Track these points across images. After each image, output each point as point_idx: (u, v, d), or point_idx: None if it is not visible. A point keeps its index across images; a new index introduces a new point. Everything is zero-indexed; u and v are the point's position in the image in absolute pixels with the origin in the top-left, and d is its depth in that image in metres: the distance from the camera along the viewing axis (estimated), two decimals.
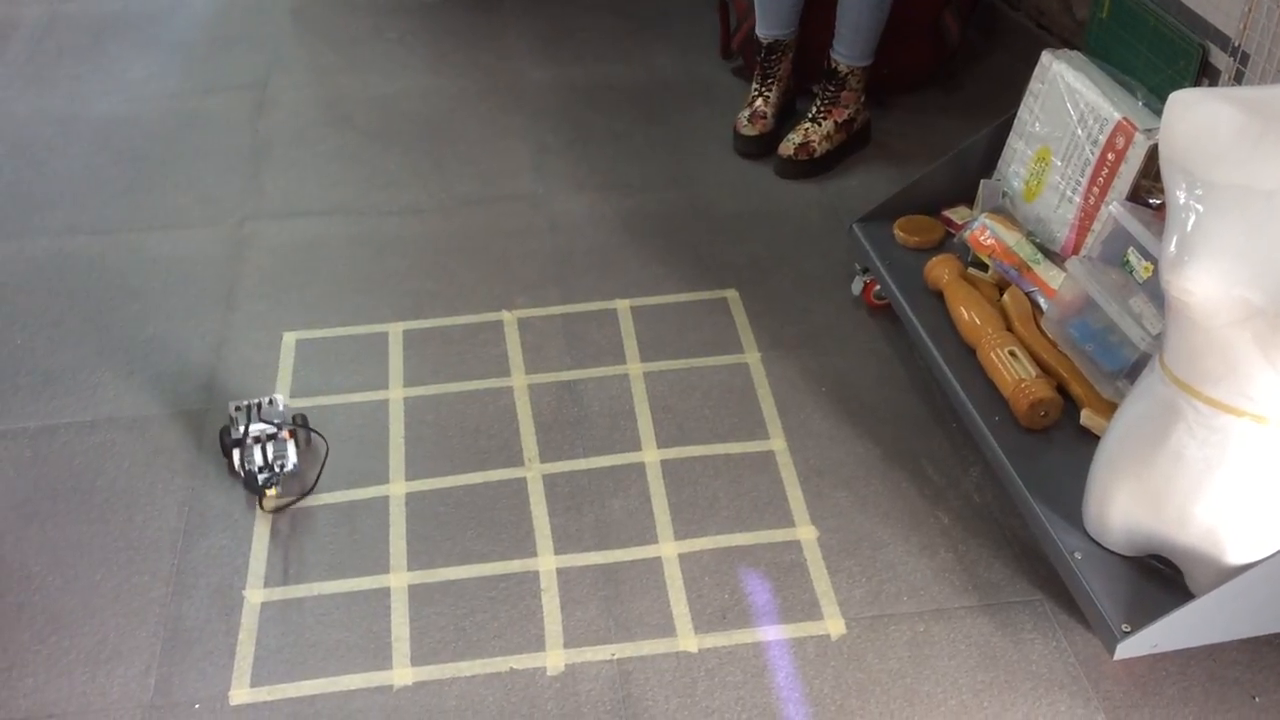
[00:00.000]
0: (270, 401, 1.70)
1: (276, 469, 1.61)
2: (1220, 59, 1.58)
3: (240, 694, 1.41)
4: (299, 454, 1.66)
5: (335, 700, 1.40)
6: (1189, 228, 1.18)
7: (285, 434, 1.65)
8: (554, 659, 1.44)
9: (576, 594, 1.52)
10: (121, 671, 1.43)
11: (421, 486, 1.66)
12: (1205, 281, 1.15)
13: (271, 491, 1.60)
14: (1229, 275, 1.15)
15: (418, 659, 1.44)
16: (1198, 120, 1.20)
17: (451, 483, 1.67)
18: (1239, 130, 1.17)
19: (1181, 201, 1.20)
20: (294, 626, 1.48)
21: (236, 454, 1.64)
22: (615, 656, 1.45)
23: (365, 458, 1.71)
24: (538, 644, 1.46)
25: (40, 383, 1.84)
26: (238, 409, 1.69)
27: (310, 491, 1.64)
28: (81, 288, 2.03)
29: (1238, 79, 1.55)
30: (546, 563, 1.56)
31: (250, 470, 1.62)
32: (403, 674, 1.43)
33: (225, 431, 1.67)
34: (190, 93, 2.61)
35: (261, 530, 1.60)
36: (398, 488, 1.66)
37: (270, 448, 1.64)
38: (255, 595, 1.52)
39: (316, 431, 1.70)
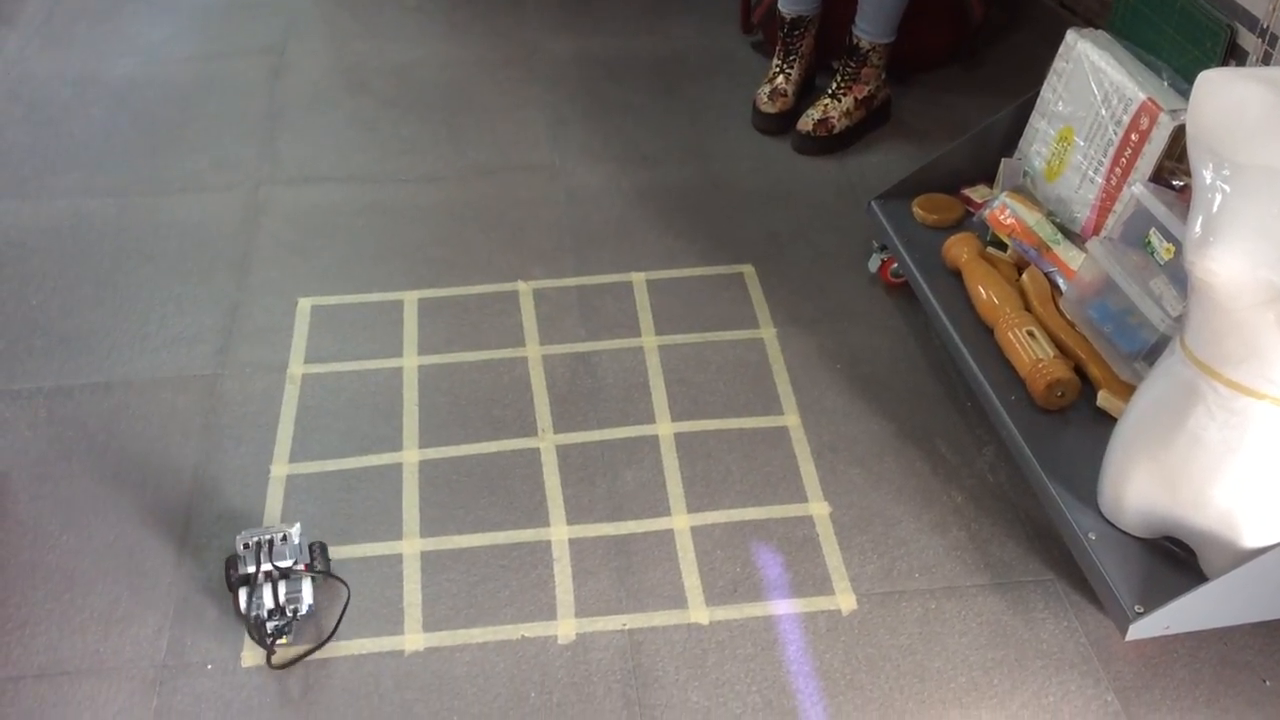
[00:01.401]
0: (283, 538, 1.44)
1: (289, 613, 1.41)
2: (1248, 40, 1.56)
3: (252, 656, 1.41)
4: (315, 592, 1.45)
5: (347, 664, 1.40)
6: (1215, 208, 1.17)
7: (300, 568, 1.44)
8: (565, 628, 1.45)
9: (588, 564, 1.52)
10: (134, 631, 1.44)
11: (435, 454, 1.66)
12: (1230, 262, 1.15)
13: (282, 640, 1.40)
14: (1254, 257, 1.14)
15: (430, 625, 1.45)
16: (1227, 100, 1.19)
17: (465, 451, 1.67)
18: (1268, 111, 1.16)
19: (1208, 182, 1.19)
20: None
21: (243, 593, 1.42)
22: (626, 627, 1.45)
23: (379, 425, 1.71)
24: (549, 613, 1.46)
25: (55, 344, 1.84)
26: (246, 546, 1.44)
27: (328, 640, 1.42)
28: (97, 250, 2.03)
29: (1266, 60, 1.53)
30: (559, 532, 1.56)
31: (259, 615, 1.40)
32: (414, 639, 1.43)
33: (232, 563, 1.44)
34: (208, 56, 2.61)
35: (275, 494, 1.60)
36: (411, 455, 1.66)
37: (283, 587, 1.42)
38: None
39: (336, 576, 1.48)
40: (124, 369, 1.80)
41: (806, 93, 2.40)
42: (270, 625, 1.40)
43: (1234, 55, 1.59)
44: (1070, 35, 1.75)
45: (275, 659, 1.40)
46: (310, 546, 1.48)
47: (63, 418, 1.71)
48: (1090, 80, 1.70)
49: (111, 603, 1.47)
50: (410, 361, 1.82)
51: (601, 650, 1.42)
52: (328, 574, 1.47)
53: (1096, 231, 1.69)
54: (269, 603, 1.41)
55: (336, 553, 1.52)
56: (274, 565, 1.43)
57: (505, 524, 1.57)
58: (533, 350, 1.84)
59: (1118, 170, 1.65)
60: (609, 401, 1.75)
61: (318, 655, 1.41)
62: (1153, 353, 1.49)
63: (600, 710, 1.36)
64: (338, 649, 1.42)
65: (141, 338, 1.85)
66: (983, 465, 1.66)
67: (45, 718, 1.35)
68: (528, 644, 1.43)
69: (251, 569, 1.42)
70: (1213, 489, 1.29)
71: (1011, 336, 1.62)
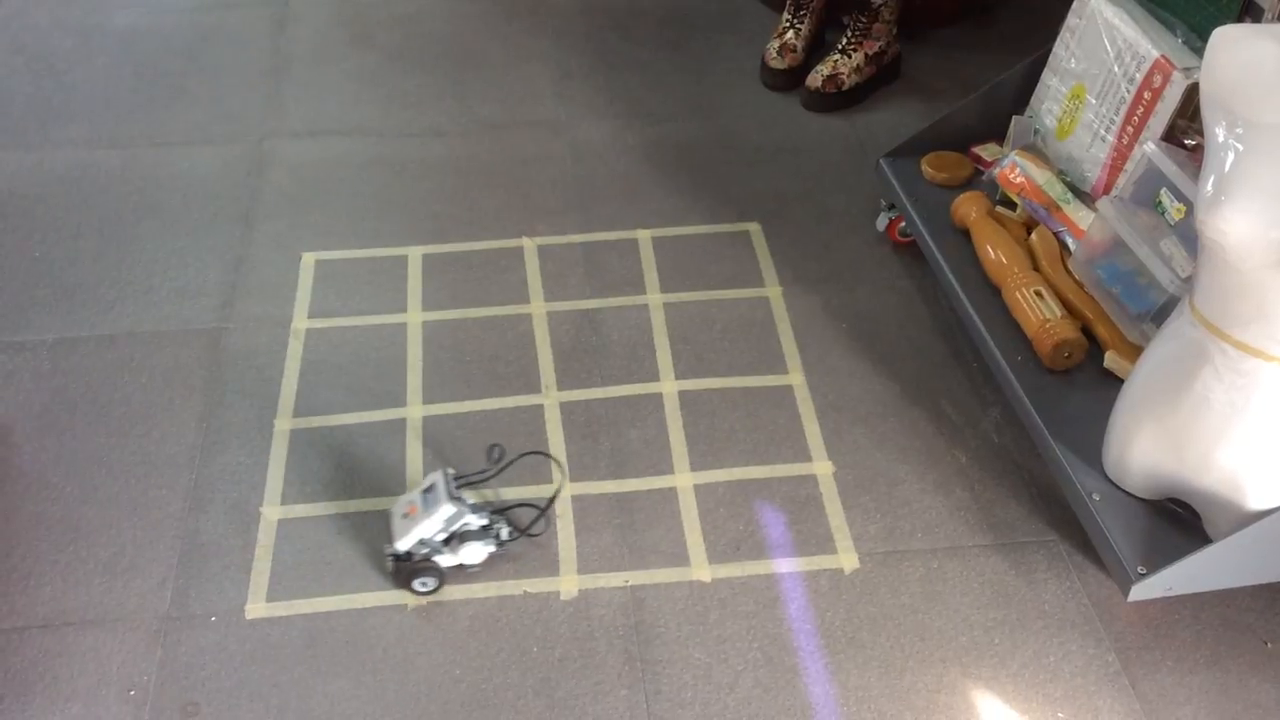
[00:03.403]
0: (455, 499, 1.42)
1: (496, 519, 1.47)
2: None
3: (256, 608, 1.42)
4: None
5: (350, 617, 1.41)
6: (1227, 167, 1.15)
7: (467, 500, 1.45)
8: (568, 584, 1.45)
9: (591, 521, 1.52)
10: (139, 583, 1.44)
11: (438, 410, 1.66)
12: (1241, 222, 1.13)
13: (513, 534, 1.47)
14: (1266, 217, 1.13)
15: None
16: (1241, 58, 1.17)
17: (469, 408, 1.67)
18: None
19: (1221, 140, 1.17)
20: (310, 544, 1.49)
21: (473, 548, 1.43)
22: (629, 583, 1.45)
23: (383, 380, 1.70)
24: (552, 569, 1.47)
25: (59, 295, 1.83)
26: (424, 541, 1.42)
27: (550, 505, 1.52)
28: (101, 202, 2.02)
29: None
30: (562, 490, 1.56)
31: (498, 536, 1.45)
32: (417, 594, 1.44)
33: (408, 557, 1.42)
34: (211, 7, 2.58)
35: (279, 448, 1.60)
36: (415, 411, 1.66)
37: (480, 516, 1.44)
38: (272, 512, 1.52)
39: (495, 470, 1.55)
40: (128, 321, 1.79)
41: (816, 48, 2.37)
42: (505, 533, 1.45)
43: (1250, 12, 1.56)
44: None
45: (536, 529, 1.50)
46: (448, 475, 1.45)
47: (67, 369, 1.71)
48: (1103, 37, 1.67)
49: (115, 554, 1.47)
50: (414, 317, 1.81)
51: (604, 606, 1.43)
52: (496, 473, 1.55)
53: (1107, 191, 1.67)
54: (479, 523, 1.44)
55: (342, 506, 1.53)
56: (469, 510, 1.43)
57: (508, 481, 1.57)
58: (537, 307, 1.83)
59: (1129, 129, 1.63)
60: (613, 359, 1.75)
61: (321, 608, 1.42)
62: (1161, 314, 1.47)
63: (602, 665, 1.37)
64: (342, 602, 1.42)
65: (145, 290, 1.85)
66: (988, 426, 1.65)
67: (49, 668, 1.36)
68: (530, 599, 1.43)
69: (468, 521, 1.43)
70: (1218, 451, 1.28)
71: (1019, 296, 1.61)
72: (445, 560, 1.43)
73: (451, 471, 1.46)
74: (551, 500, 1.53)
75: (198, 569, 1.46)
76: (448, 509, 1.41)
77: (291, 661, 1.37)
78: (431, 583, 1.43)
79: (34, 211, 2.00)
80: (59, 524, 1.51)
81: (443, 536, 1.42)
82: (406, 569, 1.42)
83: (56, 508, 1.53)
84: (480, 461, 1.58)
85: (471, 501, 1.46)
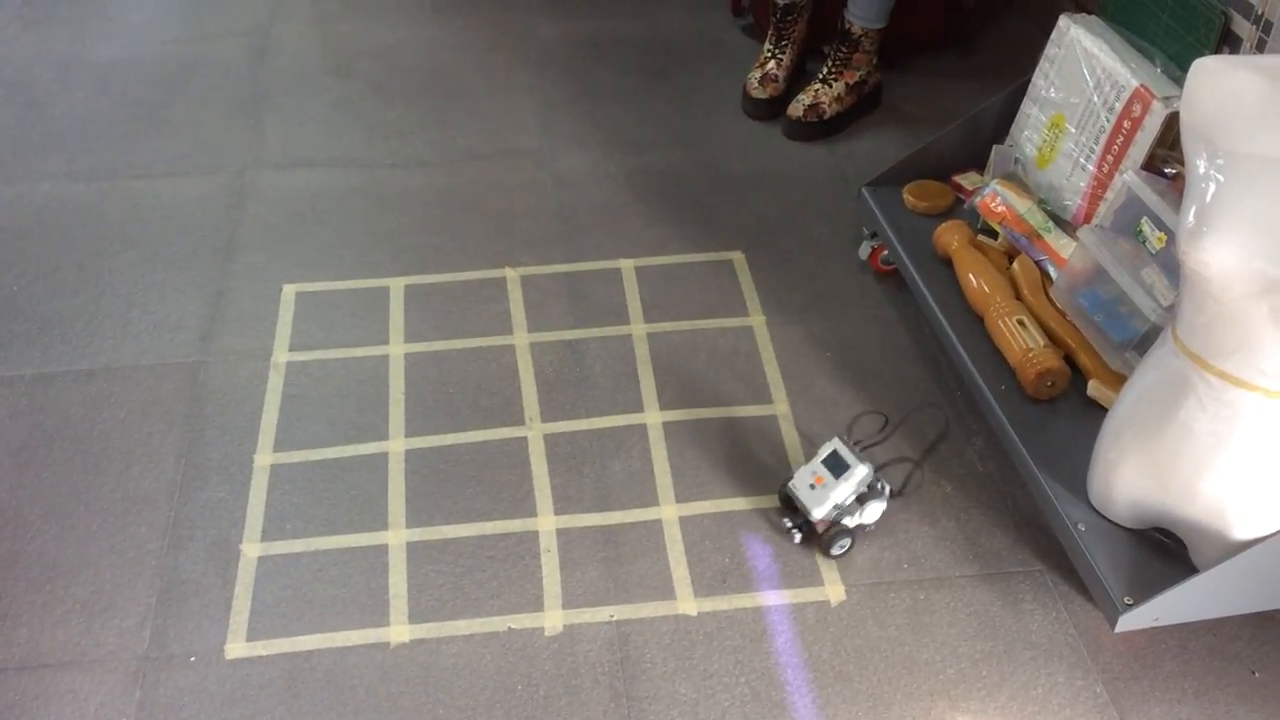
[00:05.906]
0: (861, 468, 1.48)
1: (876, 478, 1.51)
2: (1242, 27, 1.55)
3: (236, 648, 1.40)
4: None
5: (331, 656, 1.39)
6: (1208, 198, 1.16)
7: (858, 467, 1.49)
8: (552, 619, 1.44)
9: (576, 555, 1.51)
10: (117, 622, 1.42)
11: (421, 443, 1.65)
12: (1223, 253, 1.13)
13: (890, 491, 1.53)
14: (1247, 247, 1.13)
15: (415, 617, 1.43)
16: (1221, 89, 1.18)
17: (451, 440, 1.66)
18: (1263, 100, 1.15)
19: (1202, 171, 1.17)
20: (291, 581, 1.47)
21: (875, 504, 1.50)
22: (614, 618, 1.44)
23: (364, 413, 1.69)
24: (536, 604, 1.45)
25: (37, 330, 1.82)
26: (836, 506, 1.48)
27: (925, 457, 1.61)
28: (79, 234, 2.01)
29: (1259, 47, 1.52)
30: (546, 523, 1.55)
31: (882, 492, 1.51)
32: (400, 631, 1.42)
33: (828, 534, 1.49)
34: (191, 38, 2.58)
35: (259, 483, 1.58)
36: (397, 444, 1.65)
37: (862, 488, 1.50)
38: (252, 549, 1.51)
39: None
40: (106, 356, 1.78)
41: (797, 78, 2.38)
42: (889, 490, 1.52)
43: (1227, 42, 1.58)
44: (1063, 20, 1.74)
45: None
46: (846, 439, 1.52)
47: (44, 405, 1.69)
48: (1083, 66, 1.68)
49: (93, 594, 1.45)
50: (396, 349, 1.80)
51: (589, 642, 1.41)
52: (889, 435, 1.66)
53: (1088, 219, 1.67)
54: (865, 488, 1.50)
55: (323, 543, 1.51)
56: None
57: (492, 514, 1.56)
58: (520, 338, 1.82)
59: (1109, 158, 1.63)
60: (597, 390, 1.74)
61: (302, 647, 1.40)
62: (1143, 342, 1.48)
63: (588, 702, 1.35)
64: (323, 641, 1.40)
65: (124, 324, 1.83)
66: (972, 455, 1.65)
67: (26, 711, 1.33)
68: (515, 636, 1.42)
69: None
70: (1202, 480, 1.28)
71: (1002, 325, 1.61)
72: (851, 521, 1.49)
73: (847, 437, 1.52)
74: (930, 450, 1.60)
75: (177, 608, 1.44)
76: (862, 470, 1.47)
77: (272, 702, 1.35)
78: (847, 543, 1.49)
79: (12, 245, 1.98)
80: (36, 562, 1.49)
81: (853, 498, 1.48)
82: (820, 537, 1.49)
83: (33, 546, 1.50)
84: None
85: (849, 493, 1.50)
